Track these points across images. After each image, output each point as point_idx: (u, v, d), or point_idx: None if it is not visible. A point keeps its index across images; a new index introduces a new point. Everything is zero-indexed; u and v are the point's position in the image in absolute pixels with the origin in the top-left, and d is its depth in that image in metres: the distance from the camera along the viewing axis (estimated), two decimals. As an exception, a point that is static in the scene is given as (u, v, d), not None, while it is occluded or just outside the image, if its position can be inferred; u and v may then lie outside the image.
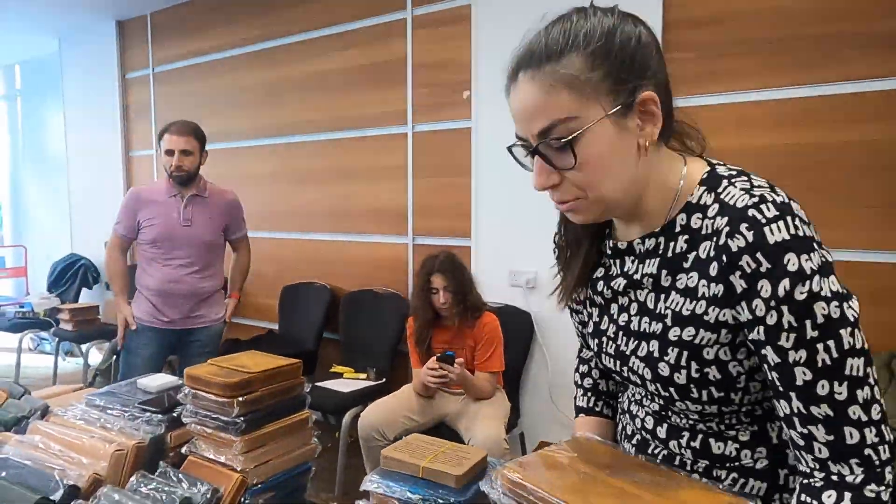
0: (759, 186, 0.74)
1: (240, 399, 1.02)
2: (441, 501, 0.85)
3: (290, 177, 3.83)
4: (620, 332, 0.88)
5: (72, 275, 5.12)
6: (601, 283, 0.90)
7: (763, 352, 0.73)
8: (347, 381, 3.08)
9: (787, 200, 0.72)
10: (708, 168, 0.81)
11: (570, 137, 0.72)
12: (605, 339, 0.91)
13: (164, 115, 4.46)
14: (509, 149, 0.81)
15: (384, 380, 3.10)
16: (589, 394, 1.11)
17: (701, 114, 2.32)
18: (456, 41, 3.03)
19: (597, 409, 1.10)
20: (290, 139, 3.79)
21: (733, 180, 0.77)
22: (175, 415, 1.11)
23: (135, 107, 4.75)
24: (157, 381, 1.23)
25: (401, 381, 2.85)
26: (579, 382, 1.14)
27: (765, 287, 0.70)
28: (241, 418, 1.02)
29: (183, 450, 1.08)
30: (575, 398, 1.14)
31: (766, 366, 0.74)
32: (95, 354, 4.59)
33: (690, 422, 0.85)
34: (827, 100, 2.21)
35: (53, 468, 0.98)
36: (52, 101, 5.60)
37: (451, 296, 2.49)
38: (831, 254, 0.72)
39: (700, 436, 0.85)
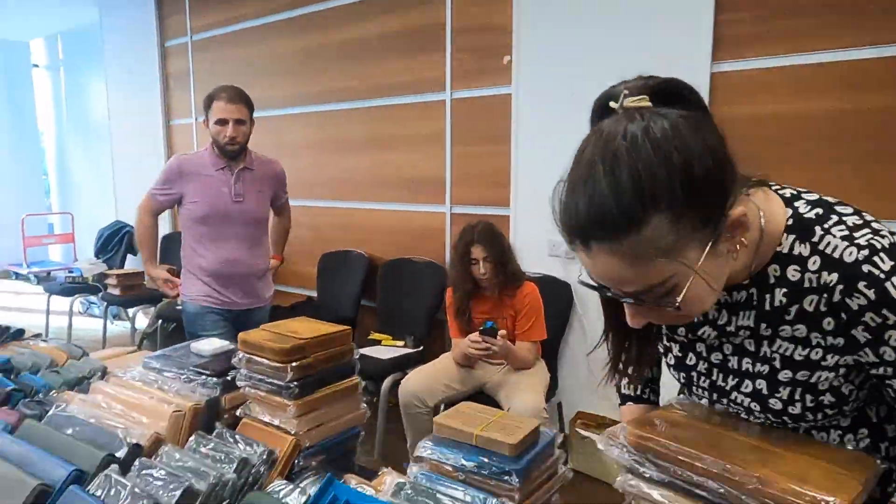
0: (856, 227, 0.71)
1: (293, 364, 1.03)
2: (496, 469, 0.85)
3: (327, 145, 3.83)
4: (715, 370, 0.88)
5: (117, 241, 5.28)
6: (680, 326, 0.88)
7: (888, 381, 0.75)
8: (386, 349, 3.12)
9: (893, 241, 0.70)
10: (790, 211, 0.76)
11: (677, 304, 0.68)
12: (694, 374, 0.91)
13: (202, 83, 4.49)
14: (582, 282, 0.73)
15: (421, 347, 3.13)
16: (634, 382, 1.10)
17: (756, 77, 2.26)
18: (496, 4, 2.94)
19: (644, 395, 1.10)
20: (327, 107, 3.78)
21: (826, 226, 0.73)
22: (229, 378, 1.13)
23: (174, 75, 4.79)
24: (211, 345, 1.26)
25: (438, 349, 2.86)
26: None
27: (893, 336, 0.70)
28: (295, 383, 1.03)
29: (237, 412, 1.11)
30: (618, 387, 1.13)
31: (889, 389, 0.76)
32: (142, 318, 4.74)
33: (796, 425, 0.86)
34: (891, 62, 2.08)
35: (117, 427, 1.01)
36: (94, 71, 5.69)
37: (491, 266, 2.47)
38: None
39: (801, 430, 0.86)
